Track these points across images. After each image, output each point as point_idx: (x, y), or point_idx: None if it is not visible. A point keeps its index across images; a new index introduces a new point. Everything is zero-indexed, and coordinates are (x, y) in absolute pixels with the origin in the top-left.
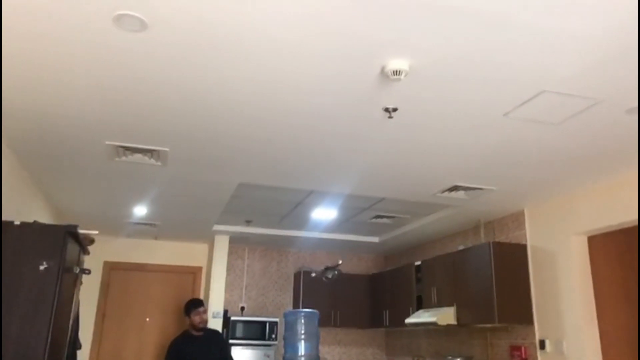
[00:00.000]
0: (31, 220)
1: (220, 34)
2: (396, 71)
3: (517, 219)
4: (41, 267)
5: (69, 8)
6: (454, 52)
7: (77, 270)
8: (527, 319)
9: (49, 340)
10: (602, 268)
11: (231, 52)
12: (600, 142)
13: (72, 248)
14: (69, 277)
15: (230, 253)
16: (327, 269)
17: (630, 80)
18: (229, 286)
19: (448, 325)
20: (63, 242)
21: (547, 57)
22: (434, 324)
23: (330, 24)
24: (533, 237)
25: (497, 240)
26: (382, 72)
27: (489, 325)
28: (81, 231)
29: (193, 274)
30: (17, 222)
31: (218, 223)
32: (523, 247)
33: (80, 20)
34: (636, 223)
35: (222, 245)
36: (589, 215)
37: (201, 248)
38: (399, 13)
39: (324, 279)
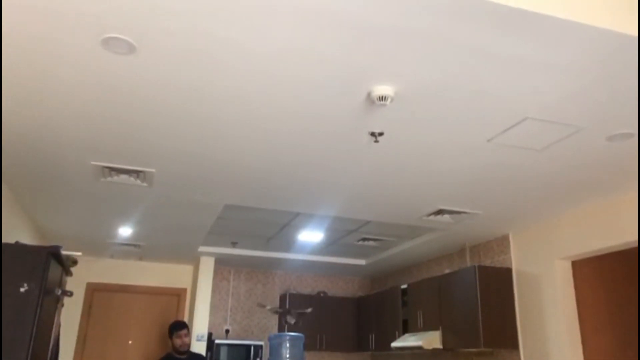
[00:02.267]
0: (13, 241)
1: (207, 59)
2: (382, 97)
3: (502, 243)
4: (22, 289)
5: (58, 30)
6: (438, 80)
7: (59, 292)
8: (513, 344)
9: None
10: (586, 293)
11: (218, 76)
12: (582, 168)
13: (54, 269)
14: (50, 299)
15: (215, 275)
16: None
17: (611, 108)
18: (213, 308)
19: (434, 350)
20: (45, 263)
21: (529, 85)
22: (419, 347)
23: (318, 51)
24: (518, 261)
25: (482, 264)
26: (368, 97)
27: (474, 350)
28: (64, 252)
29: (177, 295)
30: None
31: (204, 244)
32: (508, 271)
33: (69, 42)
34: (619, 249)
35: (207, 267)
36: (572, 240)
37: (186, 269)
38: (384, 41)
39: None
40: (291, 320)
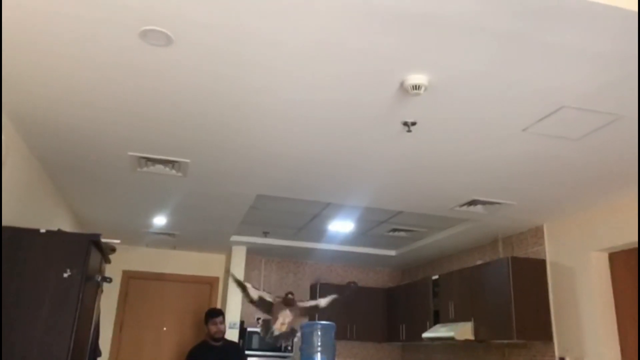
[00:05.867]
0: (55, 229)
1: (242, 50)
2: (415, 86)
3: (536, 234)
4: (65, 275)
5: (97, 23)
6: (473, 68)
7: (99, 278)
8: (546, 336)
9: (71, 346)
10: (624, 285)
11: (253, 67)
12: (621, 157)
13: (94, 256)
14: (91, 285)
15: (247, 264)
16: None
17: None
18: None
19: (465, 341)
20: (86, 250)
21: (567, 73)
22: (451, 338)
23: (351, 41)
24: (552, 253)
25: (515, 255)
26: (402, 86)
27: (506, 342)
28: (104, 240)
29: (210, 284)
30: (42, 230)
31: (236, 234)
32: (542, 263)
33: (107, 34)
34: None
35: (239, 256)
36: (610, 231)
37: (218, 258)
38: (418, 30)
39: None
40: (269, 338)
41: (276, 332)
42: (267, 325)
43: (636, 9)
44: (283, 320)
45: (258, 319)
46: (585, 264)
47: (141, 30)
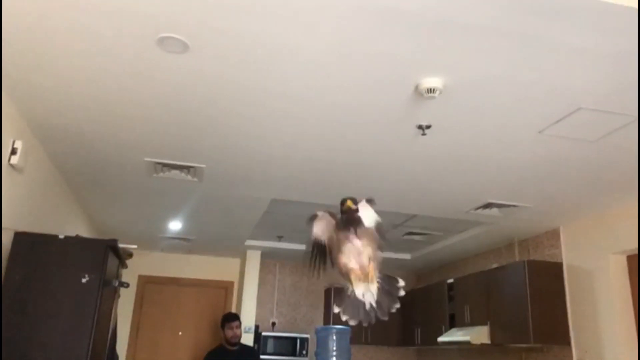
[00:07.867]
0: (73, 234)
1: (258, 57)
2: (430, 89)
3: (552, 237)
4: (83, 280)
5: (115, 30)
6: (488, 71)
7: (116, 283)
8: (564, 340)
9: (89, 351)
10: None
11: (268, 73)
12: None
13: (112, 262)
14: (108, 290)
15: (261, 268)
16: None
17: None
18: (260, 301)
19: (482, 345)
20: (104, 255)
21: (583, 74)
22: (467, 342)
23: (366, 45)
24: (569, 256)
25: (531, 258)
26: (416, 90)
27: (523, 345)
28: (121, 245)
29: (225, 288)
30: (61, 236)
31: (250, 238)
32: (559, 266)
33: (125, 41)
34: None
35: (254, 260)
36: (627, 234)
37: (233, 263)
38: (433, 34)
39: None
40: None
41: (361, 295)
42: (342, 300)
43: None
44: (359, 261)
45: (273, 323)
46: (603, 266)
47: (158, 37)
